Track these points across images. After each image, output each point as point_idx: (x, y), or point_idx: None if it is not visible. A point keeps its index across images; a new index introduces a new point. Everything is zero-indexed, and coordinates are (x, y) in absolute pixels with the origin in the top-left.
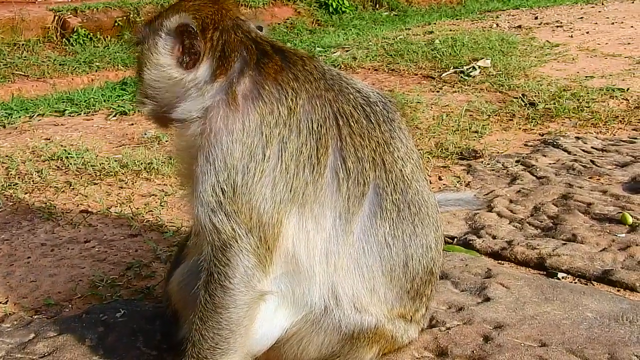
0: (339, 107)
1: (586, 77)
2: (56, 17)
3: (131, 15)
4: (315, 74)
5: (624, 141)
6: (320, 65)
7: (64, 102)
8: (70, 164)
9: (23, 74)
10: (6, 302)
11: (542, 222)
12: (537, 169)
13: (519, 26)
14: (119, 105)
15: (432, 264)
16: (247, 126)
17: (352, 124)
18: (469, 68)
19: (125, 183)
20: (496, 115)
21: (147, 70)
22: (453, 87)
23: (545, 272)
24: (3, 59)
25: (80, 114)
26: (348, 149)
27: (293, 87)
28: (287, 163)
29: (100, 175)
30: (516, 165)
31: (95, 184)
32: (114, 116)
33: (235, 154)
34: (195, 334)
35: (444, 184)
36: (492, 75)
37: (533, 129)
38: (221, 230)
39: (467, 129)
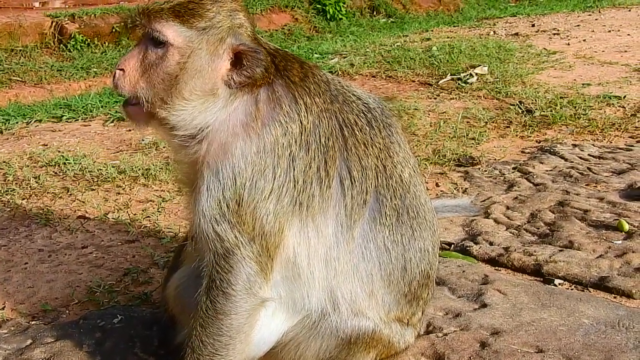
0: (344, 117)
1: (583, 84)
2: (54, 23)
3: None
4: (322, 86)
5: (620, 148)
6: (324, 75)
7: (61, 108)
8: (68, 169)
9: (20, 79)
10: (3, 308)
11: (539, 228)
12: (534, 176)
13: (516, 34)
14: (116, 111)
15: (429, 268)
16: (261, 150)
17: (357, 132)
18: (466, 75)
19: (123, 189)
20: (493, 122)
21: (189, 80)
22: (450, 94)
23: (542, 279)
24: (0, 65)
25: (77, 119)
26: (353, 158)
27: (306, 102)
28: (296, 179)
29: (97, 181)
30: (513, 172)
31: (92, 189)
32: (112, 122)
33: (245, 174)
34: (195, 340)
35: (441, 191)
36: (489, 82)
37: (530, 136)
38: (224, 238)
39: (464, 136)
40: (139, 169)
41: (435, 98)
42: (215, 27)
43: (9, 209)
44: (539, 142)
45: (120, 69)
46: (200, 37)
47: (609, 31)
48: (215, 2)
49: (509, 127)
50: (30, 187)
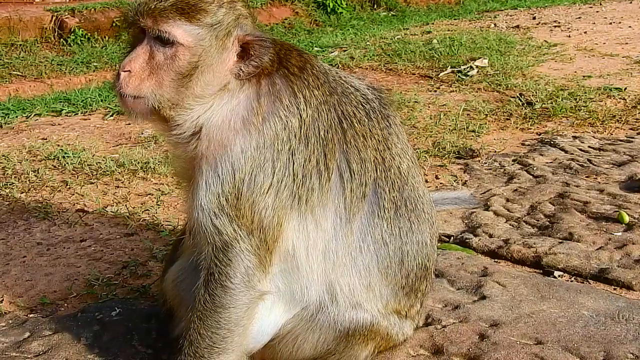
0: (343, 109)
1: (584, 76)
2: (54, 18)
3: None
4: (321, 78)
5: (621, 140)
6: (322, 66)
7: (61, 102)
8: (67, 163)
9: (20, 74)
10: (1, 301)
11: (538, 220)
12: (534, 168)
13: (517, 26)
14: (115, 105)
15: (427, 260)
16: (260, 145)
17: (356, 124)
18: (467, 68)
19: (122, 182)
20: (493, 114)
21: (199, 77)
22: (450, 86)
23: (541, 271)
24: (0, 60)
25: (77, 113)
26: (352, 151)
27: (305, 95)
28: (295, 173)
29: (96, 174)
30: (513, 164)
31: (91, 183)
32: (111, 116)
33: (245, 168)
34: (193, 333)
35: (440, 183)
36: (490, 74)
37: (530, 128)
38: (223, 231)
39: (464, 128)
40: (138, 163)
41: (435, 91)
42: (222, 22)
43: (7, 203)
44: (539, 134)
45: (127, 71)
46: (210, 34)
47: (610, 23)
48: None
49: (509, 119)
50: (29, 180)
